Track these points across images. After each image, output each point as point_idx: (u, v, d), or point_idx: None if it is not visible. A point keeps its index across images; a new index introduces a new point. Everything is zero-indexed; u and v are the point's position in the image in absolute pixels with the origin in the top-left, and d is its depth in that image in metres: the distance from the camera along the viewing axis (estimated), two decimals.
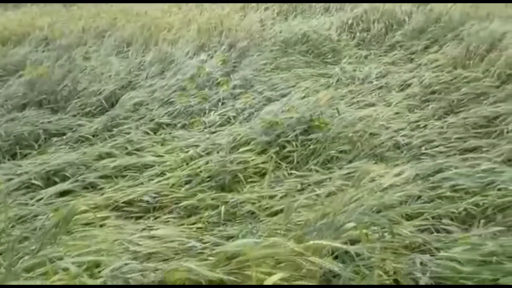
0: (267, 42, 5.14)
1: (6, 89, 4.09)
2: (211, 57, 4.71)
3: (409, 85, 3.76)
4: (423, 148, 2.74)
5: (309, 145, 2.77)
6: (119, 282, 1.30)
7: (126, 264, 1.52)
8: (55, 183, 2.69)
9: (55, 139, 3.32)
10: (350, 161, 2.58)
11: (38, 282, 1.27)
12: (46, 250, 1.48)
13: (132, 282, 1.31)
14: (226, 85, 4.07)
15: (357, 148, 2.68)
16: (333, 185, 2.17)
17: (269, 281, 1.12)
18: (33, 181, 2.67)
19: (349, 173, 2.40)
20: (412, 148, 2.72)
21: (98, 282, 1.28)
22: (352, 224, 1.42)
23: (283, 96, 3.77)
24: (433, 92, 3.56)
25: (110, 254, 1.48)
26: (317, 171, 2.59)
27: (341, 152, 2.70)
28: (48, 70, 4.20)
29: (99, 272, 1.35)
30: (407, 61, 4.56)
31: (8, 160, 3.09)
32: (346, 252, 1.42)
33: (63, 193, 2.58)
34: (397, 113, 3.20)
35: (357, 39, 5.35)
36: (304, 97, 3.57)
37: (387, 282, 1.33)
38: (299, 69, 4.41)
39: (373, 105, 3.35)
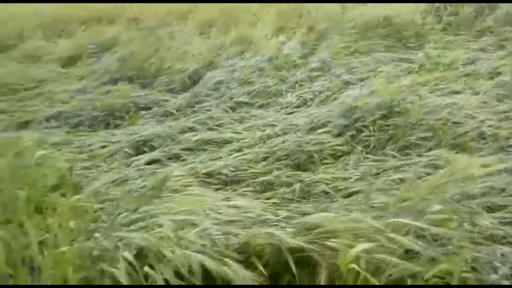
0: (347, 25, 5.05)
1: (100, 64, 4.46)
2: (290, 39, 4.74)
3: (499, 73, 3.53)
4: (510, 140, 2.60)
5: (388, 130, 2.74)
6: (206, 242, 1.43)
7: (210, 228, 1.66)
8: (144, 152, 2.93)
9: (143, 112, 3.59)
10: (430, 149, 2.52)
11: (138, 235, 1.44)
12: (143, 208, 1.66)
13: (217, 243, 1.43)
14: (304, 67, 4.10)
15: (439, 136, 2.60)
16: (411, 171, 2.14)
17: (352, 252, 1.17)
18: (125, 149, 2.92)
19: (428, 161, 2.36)
20: (499, 139, 2.58)
21: (191, 238, 1.41)
22: (437, 207, 1.41)
23: (362, 80, 3.73)
24: None
25: (197, 217, 1.62)
26: (394, 156, 2.56)
27: (421, 139, 2.64)
28: (138, 48, 4.49)
29: (188, 232, 1.49)
30: (497, 48, 4.26)
31: (103, 129, 3.40)
32: (424, 236, 1.43)
33: (151, 162, 2.81)
34: (484, 102, 3.03)
35: (443, 23, 5.07)
36: (384, 82, 3.50)
37: (465, 269, 1.33)
38: (379, 53, 4.30)
39: (458, 92, 3.21)
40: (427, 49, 4.31)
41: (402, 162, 2.46)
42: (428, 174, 2.13)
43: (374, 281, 1.16)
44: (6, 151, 2.53)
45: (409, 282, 1.22)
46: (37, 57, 4.80)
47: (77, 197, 2.12)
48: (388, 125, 2.80)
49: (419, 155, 2.50)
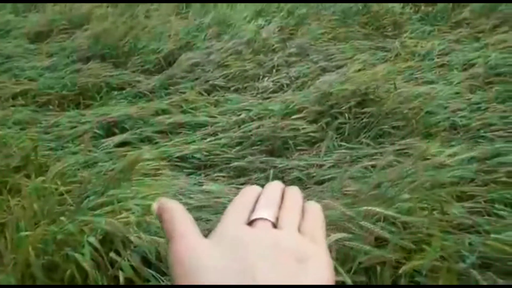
0: (327, 11, 5.02)
1: (72, 42, 4.29)
2: (269, 23, 4.67)
3: (473, 65, 3.58)
4: (481, 131, 2.64)
5: (362, 118, 2.75)
6: None
7: None
8: (115, 134, 2.85)
9: (115, 92, 3.48)
10: (403, 138, 2.54)
11: (104, 219, 1.39)
12: (111, 192, 1.61)
13: None
14: (282, 52, 4.06)
15: (412, 125, 2.63)
16: (384, 159, 2.15)
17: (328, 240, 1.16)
18: (95, 130, 2.84)
19: (401, 149, 2.38)
20: (470, 130, 2.63)
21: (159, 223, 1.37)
22: (406, 196, 1.42)
23: (339, 67, 3.72)
24: (499, 74, 3.38)
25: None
26: (368, 144, 2.58)
27: (394, 128, 2.66)
28: (112, 25, 4.34)
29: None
30: (473, 40, 4.32)
31: (73, 109, 3.28)
32: (394, 223, 1.44)
33: (122, 144, 2.73)
34: (457, 93, 3.08)
35: (421, 13, 5.10)
36: (360, 69, 3.51)
37: (434, 257, 1.34)
38: (357, 41, 4.30)
39: (432, 82, 3.24)
40: (404, 38, 4.33)
41: (376, 151, 2.48)
42: (400, 162, 2.15)
43: (341, 270, 1.15)
44: None
45: (378, 269, 1.22)
46: (5, 31, 4.58)
47: (42, 178, 2.04)
48: (363, 113, 2.80)
49: (392, 144, 2.53)
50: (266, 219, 0.37)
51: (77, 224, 1.43)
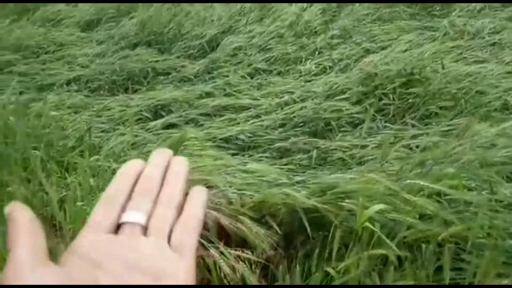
0: None
1: (119, 29, 4.44)
2: (311, 5, 4.62)
3: None
4: None
5: (408, 99, 2.70)
6: (221, 200, 1.46)
7: (225, 189, 1.68)
8: (162, 116, 2.96)
9: (161, 77, 3.59)
10: (452, 119, 2.47)
11: None
12: None
13: (232, 202, 1.45)
14: (324, 34, 4.02)
15: (460, 106, 2.55)
16: (430, 140, 2.11)
17: (367, 212, 1.18)
18: (143, 113, 2.95)
19: (448, 130, 2.32)
20: None
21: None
22: (451, 170, 1.40)
23: (383, 48, 3.64)
24: None
25: (212, 177, 1.64)
26: (413, 125, 2.53)
27: (441, 108, 2.59)
28: (157, 12, 4.45)
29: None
30: None
31: (121, 93, 3.42)
32: (438, 201, 1.42)
33: (168, 126, 2.83)
34: (509, 72, 2.94)
35: None
36: (405, 50, 3.42)
37: (480, 235, 1.32)
38: (403, 21, 4.17)
39: (482, 62, 3.11)
40: (452, 17, 4.16)
41: (422, 131, 2.43)
42: (447, 142, 2.10)
43: (388, 242, 1.16)
44: (27, 113, 2.58)
45: (423, 245, 1.22)
46: (58, 20, 4.81)
47: (96, 157, 2.16)
48: (408, 94, 2.75)
49: (439, 125, 2.46)
50: (135, 224, 0.33)
51: None
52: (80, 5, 5.09)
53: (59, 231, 1.73)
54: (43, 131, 2.30)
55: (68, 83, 3.58)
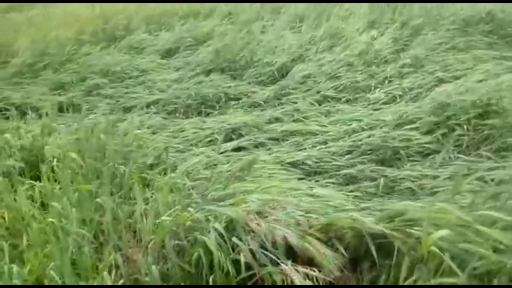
0: (445, 20, 4.81)
1: (196, 56, 4.74)
2: (382, 34, 4.64)
3: None
4: None
5: (483, 130, 2.61)
6: (290, 221, 1.51)
7: (292, 211, 1.74)
8: (232, 139, 3.09)
9: (233, 102, 3.77)
10: None
11: (228, 209, 1.56)
12: (231, 187, 1.79)
13: (300, 222, 1.50)
14: (395, 63, 4.00)
15: None
16: (506, 173, 2.03)
17: (435, 235, 1.17)
18: (215, 135, 3.11)
19: None
20: None
21: (277, 215, 1.50)
22: None
23: (457, 78, 3.55)
24: None
25: (281, 197, 1.71)
26: (489, 158, 2.43)
27: None
28: (231, 41, 4.69)
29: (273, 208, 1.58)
30: None
31: (195, 116, 3.63)
32: None
33: (237, 149, 2.96)
34: None
35: None
36: (481, 80, 3.31)
37: None
38: (479, 50, 4.05)
39: None
40: None
41: (498, 164, 2.33)
42: None
43: (456, 269, 1.14)
44: (112, 132, 2.83)
45: (495, 278, 1.18)
46: (141, 48, 5.24)
47: (172, 175, 2.32)
48: (484, 125, 2.66)
49: None
50: None
51: (203, 213, 1.63)
52: (162, 34, 5.50)
53: (139, 242, 1.88)
54: (128, 148, 2.51)
55: (148, 105, 3.87)
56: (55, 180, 2.26)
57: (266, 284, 1.42)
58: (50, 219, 1.90)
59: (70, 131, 2.88)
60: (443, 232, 1.17)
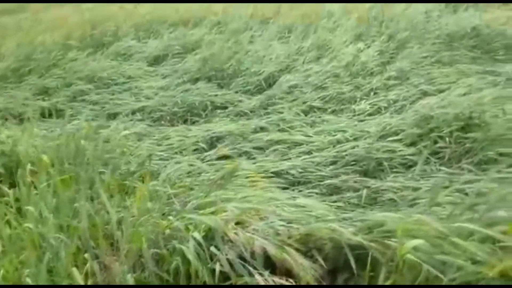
0: (430, 34, 4.89)
1: (183, 64, 4.74)
2: (368, 47, 4.69)
3: None
4: None
5: (465, 143, 2.64)
6: (269, 230, 1.50)
7: (273, 221, 1.72)
8: (216, 147, 3.08)
9: (219, 111, 3.77)
10: (511, 165, 2.38)
11: (207, 218, 1.55)
12: (212, 195, 1.77)
13: (280, 232, 1.49)
14: (381, 75, 4.04)
15: None
16: (485, 186, 2.05)
17: (410, 244, 1.17)
18: (200, 144, 3.10)
19: (507, 178, 2.23)
20: None
21: (254, 224, 1.49)
22: (503, 214, 1.35)
23: (441, 91, 3.59)
24: None
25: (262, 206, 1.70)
26: (470, 171, 2.45)
27: (501, 154, 2.50)
28: (219, 50, 4.70)
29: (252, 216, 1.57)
30: None
31: (181, 124, 3.61)
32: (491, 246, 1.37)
33: (222, 157, 2.94)
34: None
35: None
36: (465, 94, 3.35)
37: None
38: (463, 65, 4.11)
39: None
40: None
41: (479, 177, 2.35)
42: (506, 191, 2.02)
43: (436, 273, 1.13)
44: (96, 138, 2.80)
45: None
46: (129, 55, 5.22)
47: (153, 182, 2.30)
48: (466, 138, 2.68)
49: (498, 171, 2.38)
50: None
51: (183, 221, 1.61)
52: (150, 41, 5.49)
53: (116, 250, 1.85)
54: (109, 155, 2.48)
55: (133, 112, 3.85)
56: (35, 186, 2.22)
57: None
58: (26, 225, 1.86)
59: (51, 136, 2.84)
60: (418, 242, 1.17)
